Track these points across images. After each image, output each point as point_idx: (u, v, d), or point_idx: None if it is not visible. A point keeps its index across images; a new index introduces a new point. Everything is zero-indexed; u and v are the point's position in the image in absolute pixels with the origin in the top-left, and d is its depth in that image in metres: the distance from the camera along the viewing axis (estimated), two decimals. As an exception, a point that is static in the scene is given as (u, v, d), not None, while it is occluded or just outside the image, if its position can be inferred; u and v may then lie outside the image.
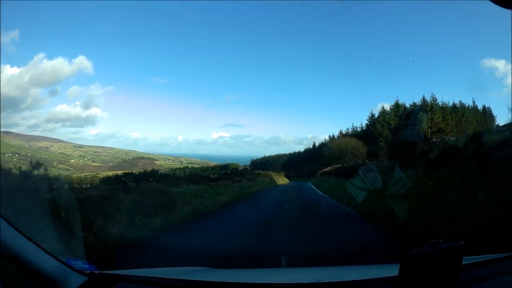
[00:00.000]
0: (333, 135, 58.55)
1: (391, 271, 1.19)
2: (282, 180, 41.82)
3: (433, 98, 39.89)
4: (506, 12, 1.10)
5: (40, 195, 4.87)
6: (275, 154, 78.35)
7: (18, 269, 1.20)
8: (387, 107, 44.33)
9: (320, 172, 39.95)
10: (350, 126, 58.54)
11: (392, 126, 40.98)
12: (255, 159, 74.44)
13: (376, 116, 45.38)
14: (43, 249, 1.28)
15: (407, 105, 42.82)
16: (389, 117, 42.92)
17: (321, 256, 4.27)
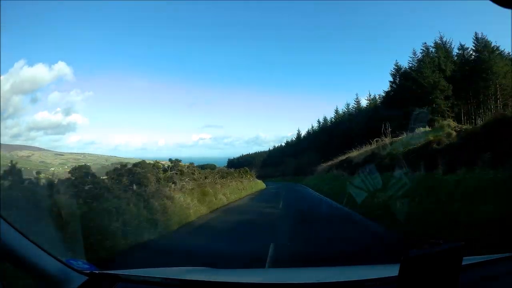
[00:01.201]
0: (324, 118, 51.77)
1: (391, 271, 1.19)
2: (250, 187, 22.55)
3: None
4: (506, 12, 1.09)
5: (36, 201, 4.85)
6: (254, 152, 73.17)
7: (18, 269, 1.20)
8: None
9: (326, 165, 29.17)
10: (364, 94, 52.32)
11: (448, 75, 26.34)
12: (232, 158, 69.50)
13: (418, 55, 29.23)
14: (43, 250, 1.28)
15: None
16: (439, 59, 27.39)
17: None
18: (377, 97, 40.82)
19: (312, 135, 53.61)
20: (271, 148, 70.17)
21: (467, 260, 1.39)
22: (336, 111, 49.15)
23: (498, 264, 1.52)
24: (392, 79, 33.05)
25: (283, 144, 65.76)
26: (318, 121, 53.98)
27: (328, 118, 51.27)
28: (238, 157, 71.64)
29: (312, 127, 55.55)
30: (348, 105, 46.73)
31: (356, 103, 45.13)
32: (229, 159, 68.98)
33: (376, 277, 1.36)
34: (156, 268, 1.84)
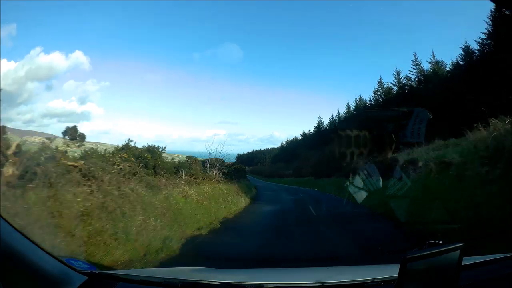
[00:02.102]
0: (359, 99, 35.23)
1: (391, 271, 1.20)
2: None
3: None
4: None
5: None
6: (265, 148, 65.02)
7: (18, 269, 1.20)
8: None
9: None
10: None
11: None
12: (241, 154, 62.26)
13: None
14: (43, 249, 1.29)
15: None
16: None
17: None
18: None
19: (344, 122, 37.91)
20: (284, 142, 57.57)
21: (467, 260, 1.39)
22: (348, 106, 36.84)
23: (498, 264, 1.52)
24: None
25: (299, 136, 50.01)
26: (347, 106, 38.05)
27: (366, 97, 35.50)
28: (248, 153, 65.32)
29: (338, 113, 40.03)
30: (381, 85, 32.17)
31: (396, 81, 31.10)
32: (238, 155, 61.62)
33: (376, 277, 1.36)
34: (156, 268, 1.85)
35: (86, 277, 1.38)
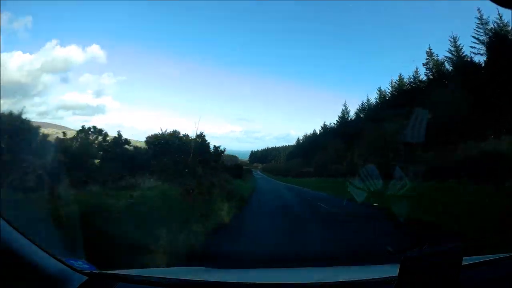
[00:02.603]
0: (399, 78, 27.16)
1: (391, 271, 1.19)
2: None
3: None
4: (507, 11, 1.07)
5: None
6: (281, 145, 60.88)
7: (18, 269, 1.20)
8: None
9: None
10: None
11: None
12: (255, 150, 61.05)
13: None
14: (43, 249, 1.29)
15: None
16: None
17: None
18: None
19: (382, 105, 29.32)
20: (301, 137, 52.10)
21: (467, 260, 1.39)
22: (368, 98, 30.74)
23: (498, 264, 1.53)
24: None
25: (318, 130, 41.07)
26: (379, 90, 30.78)
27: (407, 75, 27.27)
28: (262, 150, 62.83)
29: (368, 100, 32.20)
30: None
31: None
32: (252, 151, 60.79)
33: (376, 277, 1.36)
34: (156, 268, 1.85)
35: (86, 277, 1.38)
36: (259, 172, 55.03)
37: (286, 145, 60.52)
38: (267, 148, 64.03)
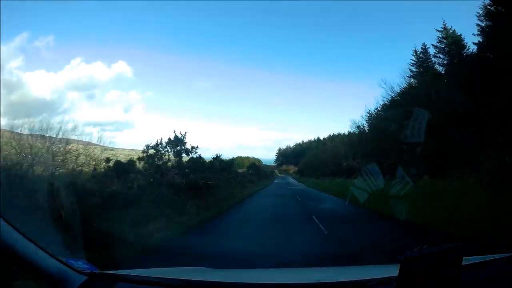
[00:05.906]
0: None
1: (391, 271, 1.19)
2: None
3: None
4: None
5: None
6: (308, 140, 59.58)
7: (18, 269, 1.20)
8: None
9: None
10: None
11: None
12: (283, 148, 58.67)
13: None
14: (43, 249, 1.28)
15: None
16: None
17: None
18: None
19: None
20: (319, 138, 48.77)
21: (467, 260, 1.39)
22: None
23: (498, 264, 1.52)
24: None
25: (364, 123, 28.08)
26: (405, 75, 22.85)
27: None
28: (292, 147, 60.62)
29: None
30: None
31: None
32: (279, 149, 60.49)
33: (376, 277, 1.36)
34: (156, 268, 1.84)
35: (86, 277, 1.38)
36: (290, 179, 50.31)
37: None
38: (302, 142, 59.30)
